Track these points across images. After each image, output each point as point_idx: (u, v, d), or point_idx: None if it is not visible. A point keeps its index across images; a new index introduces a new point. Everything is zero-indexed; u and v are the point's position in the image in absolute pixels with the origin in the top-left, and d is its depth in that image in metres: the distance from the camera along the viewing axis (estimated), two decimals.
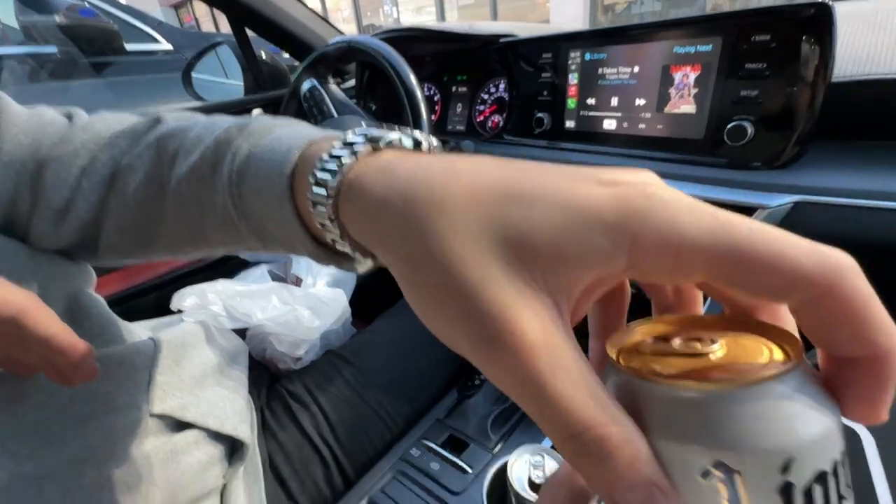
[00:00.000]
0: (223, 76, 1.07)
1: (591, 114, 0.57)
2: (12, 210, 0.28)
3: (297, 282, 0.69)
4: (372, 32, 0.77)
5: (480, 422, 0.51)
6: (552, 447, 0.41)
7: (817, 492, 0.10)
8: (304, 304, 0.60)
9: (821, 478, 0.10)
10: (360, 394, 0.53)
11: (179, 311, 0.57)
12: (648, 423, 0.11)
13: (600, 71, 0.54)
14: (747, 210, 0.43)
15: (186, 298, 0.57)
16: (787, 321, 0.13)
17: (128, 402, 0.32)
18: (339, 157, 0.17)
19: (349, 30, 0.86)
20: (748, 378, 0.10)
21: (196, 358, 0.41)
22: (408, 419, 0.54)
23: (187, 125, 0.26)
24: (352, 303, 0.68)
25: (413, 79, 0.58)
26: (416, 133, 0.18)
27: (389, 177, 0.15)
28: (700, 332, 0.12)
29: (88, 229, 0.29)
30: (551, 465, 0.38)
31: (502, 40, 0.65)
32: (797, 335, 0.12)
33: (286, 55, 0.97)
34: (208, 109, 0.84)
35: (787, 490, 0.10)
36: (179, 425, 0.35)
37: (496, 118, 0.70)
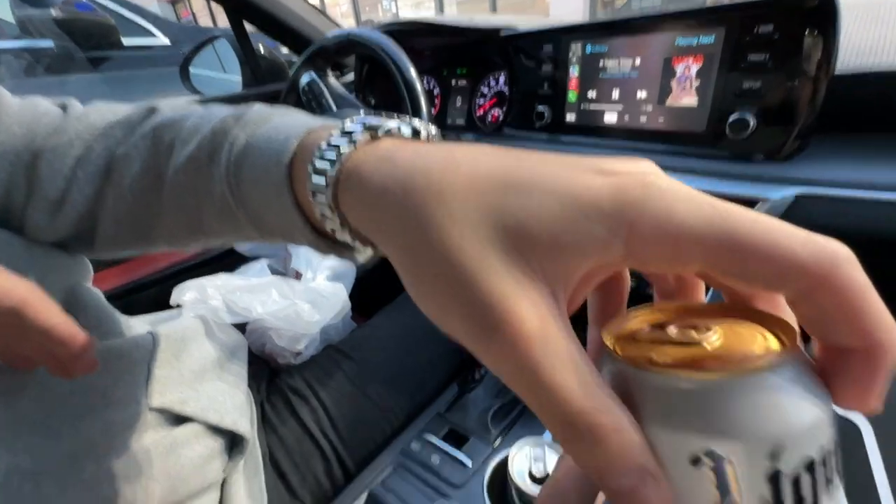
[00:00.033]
0: (221, 71, 1.06)
1: (592, 107, 0.56)
2: (7, 201, 0.28)
3: (297, 276, 0.69)
4: (371, 27, 0.76)
5: (481, 416, 0.51)
6: (553, 440, 0.41)
7: (805, 478, 0.10)
8: (303, 298, 0.60)
9: (809, 465, 0.10)
10: (361, 388, 0.53)
11: (179, 306, 0.57)
12: (642, 410, 0.11)
13: (601, 64, 0.54)
14: (749, 203, 0.43)
15: (186, 293, 0.57)
16: (786, 310, 0.13)
17: (126, 395, 0.32)
18: (337, 147, 0.17)
19: (347, 25, 0.86)
20: (741, 369, 0.10)
21: (195, 352, 0.41)
22: (408, 413, 0.54)
23: (183, 115, 0.26)
24: (351, 298, 0.68)
25: (413, 72, 0.57)
26: (415, 121, 0.18)
27: (388, 165, 0.15)
28: (697, 321, 0.12)
29: (84, 221, 0.28)
30: (552, 458, 0.39)
31: (503, 33, 0.64)
32: (794, 324, 0.12)
33: (285, 50, 0.96)
34: (206, 103, 0.84)
35: (775, 477, 0.10)
36: (179, 419, 0.35)
37: (496, 112, 0.70)
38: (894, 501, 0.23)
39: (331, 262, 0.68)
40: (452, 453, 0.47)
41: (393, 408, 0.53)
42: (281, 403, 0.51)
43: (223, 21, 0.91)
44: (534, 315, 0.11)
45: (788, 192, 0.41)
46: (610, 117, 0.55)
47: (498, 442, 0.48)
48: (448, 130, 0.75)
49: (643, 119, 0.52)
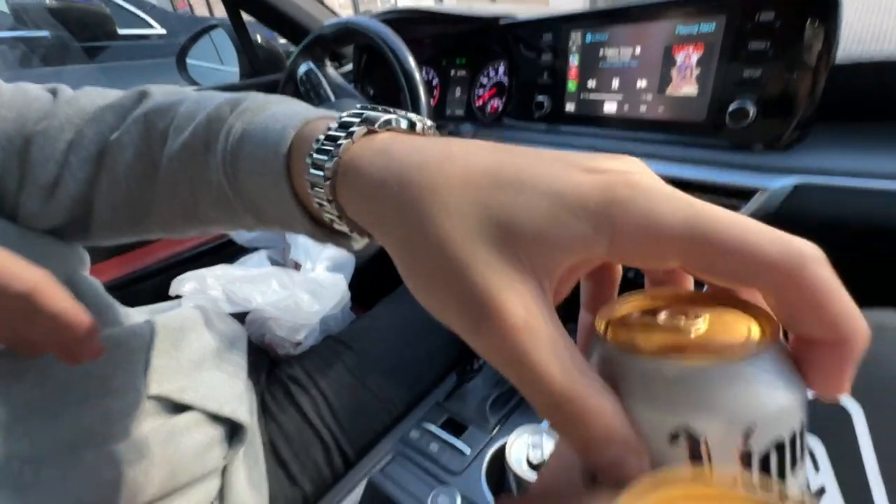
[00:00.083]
0: (218, 61, 1.05)
1: (592, 96, 0.56)
2: (0, 188, 0.28)
3: (296, 267, 0.69)
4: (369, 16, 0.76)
5: (479, 405, 0.51)
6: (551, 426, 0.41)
7: (773, 458, 0.11)
8: (303, 288, 0.60)
9: (779, 446, 0.11)
10: (360, 378, 0.53)
11: (178, 297, 0.57)
12: (627, 390, 0.12)
13: (601, 53, 0.53)
14: (747, 192, 0.43)
15: (185, 284, 0.57)
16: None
17: (124, 384, 0.32)
18: (334, 139, 0.17)
19: (346, 15, 0.85)
20: (722, 357, 0.11)
21: (194, 342, 0.41)
22: (408, 403, 0.55)
23: (176, 100, 0.26)
24: (351, 289, 0.68)
25: (411, 61, 0.57)
26: (411, 114, 0.18)
27: (385, 158, 0.15)
28: (686, 308, 0.13)
29: (79, 206, 0.28)
30: (549, 445, 0.39)
31: (502, 22, 0.64)
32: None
33: (283, 40, 0.95)
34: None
35: (746, 456, 0.11)
36: (178, 407, 0.35)
37: (495, 102, 0.69)
38: (884, 486, 0.23)
39: (330, 253, 0.68)
40: (451, 441, 0.47)
41: (392, 398, 0.54)
42: (281, 393, 0.51)
43: (220, 11, 0.90)
44: (521, 306, 0.12)
45: (788, 182, 0.41)
46: (609, 107, 0.55)
47: (496, 430, 0.49)
48: (447, 121, 0.75)
49: (643, 109, 0.52)
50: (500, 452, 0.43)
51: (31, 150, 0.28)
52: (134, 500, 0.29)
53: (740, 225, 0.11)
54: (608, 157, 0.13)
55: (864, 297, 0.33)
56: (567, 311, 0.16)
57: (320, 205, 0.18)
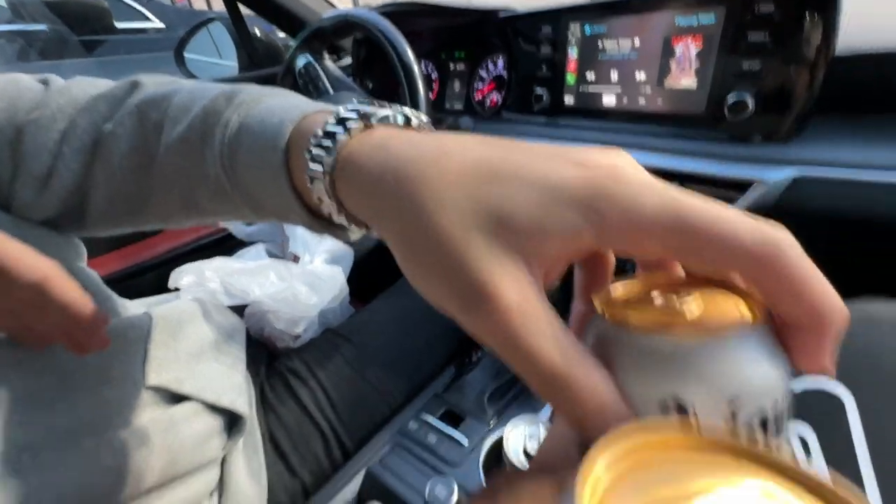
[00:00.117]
0: (216, 55, 1.05)
1: (591, 89, 0.56)
2: None
3: (295, 260, 0.70)
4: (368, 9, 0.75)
5: (477, 397, 0.52)
6: (550, 419, 0.42)
7: (756, 425, 0.12)
8: (301, 280, 0.60)
9: (762, 418, 0.12)
10: (360, 371, 0.54)
11: (177, 290, 0.57)
12: (620, 365, 0.13)
13: (600, 45, 0.53)
14: (746, 185, 0.43)
15: (184, 276, 0.57)
16: None
17: (122, 374, 0.32)
18: (333, 134, 0.17)
19: (345, 8, 0.84)
20: (711, 334, 0.12)
21: (192, 334, 0.41)
22: (406, 395, 0.55)
23: (169, 91, 0.26)
24: (350, 283, 0.68)
25: (410, 54, 0.57)
26: (407, 110, 0.19)
27: (382, 154, 0.16)
28: (678, 290, 0.14)
29: (73, 197, 0.28)
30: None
31: (501, 14, 0.63)
32: None
33: (282, 34, 0.95)
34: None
35: (733, 421, 0.12)
36: (176, 398, 0.36)
37: (494, 96, 0.69)
38: (874, 474, 0.23)
39: (328, 246, 0.68)
40: (449, 433, 0.47)
41: (391, 390, 0.54)
42: (280, 385, 0.51)
43: (219, 4, 0.90)
44: (513, 291, 0.13)
45: (787, 174, 0.41)
46: (608, 99, 0.54)
47: (494, 422, 0.49)
48: (446, 114, 0.75)
49: (642, 101, 0.51)
50: (498, 444, 0.43)
51: (23, 141, 0.28)
52: (135, 487, 0.29)
53: (717, 214, 0.12)
54: (596, 151, 0.14)
55: (860, 288, 0.34)
56: (564, 309, 0.16)
57: (318, 198, 0.18)
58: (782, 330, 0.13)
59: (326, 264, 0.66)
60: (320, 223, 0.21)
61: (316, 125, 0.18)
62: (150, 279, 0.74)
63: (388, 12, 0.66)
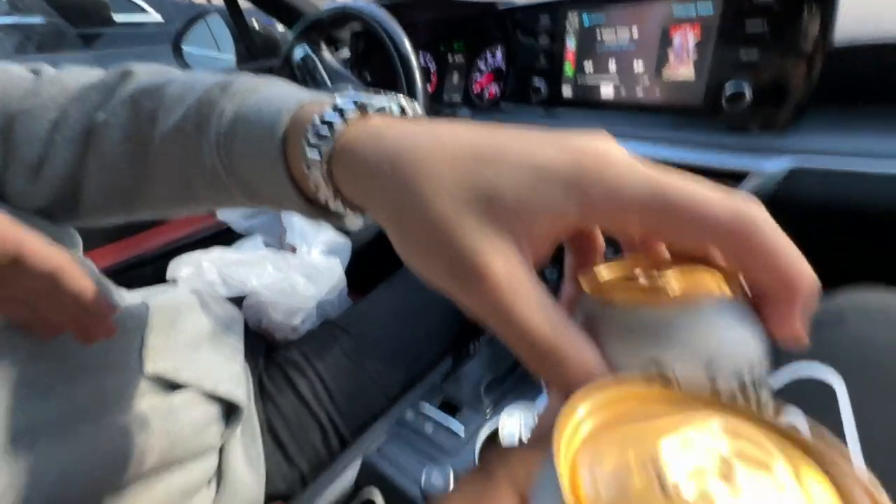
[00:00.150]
0: (215, 48, 1.04)
1: (589, 80, 0.56)
2: None
3: (293, 251, 0.70)
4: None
5: (474, 388, 0.52)
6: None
7: (735, 384, 0.12)
8: (299, 271, 0.60)
9: (738, 378, 0.12)
10: (358, 363, 0.54)
11: (175, 281, 0.57)
12: (606, 337, 0.14)
13: (598, 35, 0.53)
14: (741, 175, 0.43)
15: (182, 268, 0.57)
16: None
17: (119, 362, 0.32)
18: (330, 123, 0.18)
19: None
20: (689, 305, 0.13)
21: (190, 324, 0.41)
22: (404, 386, 0.55)
23: (163, 81, 0.26)
24: (348, 275, 0.68)
25: (408, 45, 0.56)
26: (402, 100, 0.20)
27: (378, 142, 0.17)
28: (659, 268, 0.14)
29: (66, 186, 0.28)
30: None
31: (500, 5, 0.63)
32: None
33: (281, 28, 0.94)
34: None
35: (711, 382, 0.12)
36: (175, 386, 0.36)
37: (493, 88, 0.69)
38: (863, 459, 0.24)
39: (326, 238, 0.69)
40: (445, 423, 0.48)
41: (389, 382, 0.55)
42: (279, 376, 0.52)
43: None
44: (503, 267, 0.14)
45: (783, 164, 0.41)
46: (606, 90, 0.54)
47: (490, 412, 0.49)
48: (444, 107, 0.75)
49: (640, 92, 0.51)
50: (494, 434, 0.44)
51: (14, 129, 0.28)
52: (137, 468, 0.30)
53: (693, 190, 0.13)
54: (581, 134, 0.15)
55: (854, 278, 0.34)
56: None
57: (315, 185, 0.19)
58: (758, 303, 0.13)
59: (324, 256, 0.66)
60: (315, 210, 0.21)
61: (313, 114, 0.19)
62: (149, 271, 0.74)
63: (387, 4, 0.66)
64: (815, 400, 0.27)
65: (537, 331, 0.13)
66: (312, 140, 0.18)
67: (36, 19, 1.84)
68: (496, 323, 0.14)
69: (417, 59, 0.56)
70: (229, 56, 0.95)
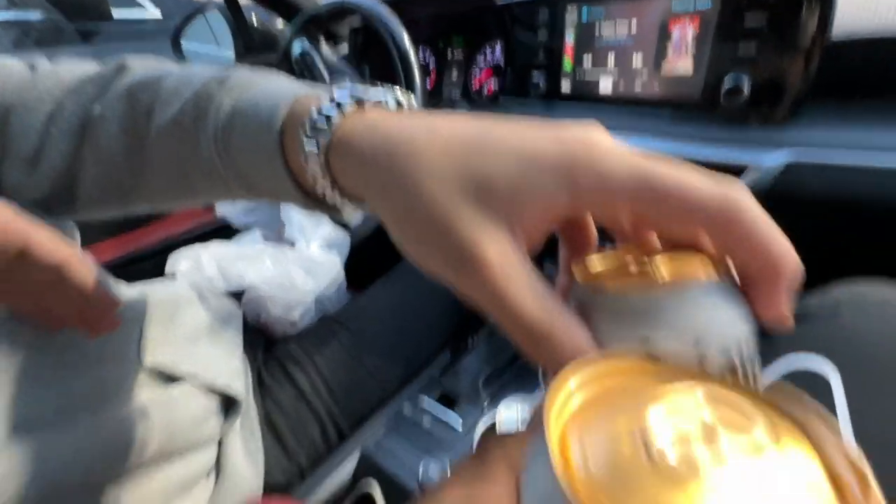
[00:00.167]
0: (214, 43, 1.04)
1: (587, 75, 0.56)
2: None
3: (291, 246, 0.70)
4: None
5: (472, 381, 0.52)
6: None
7: (724, 361, 0.13)
8: (297, 265, 0.61)
9: (727, 356, 0.13)
10: (357, 357, 0.54)
11: (174, 275, 0.58)
12: (598, 322, 0.14)
13: (597, 29, 0.53)
14: (739, 169, 0.43)
15: (181, 262, 0.57)
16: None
17: (118, 354, 0.32)
18: (328, 116, 0.18)
19: None
20: (677, 288, 0.13)
21: (189, 318, 0.41)
22: (403, 380, 0.56)
23: (159, 74, 0.26)
24: (347, 270, 0.68)
25: (407, 40, 0.56)
26: (399, 93, 0.20)
27: (375, 135, 0.17)
28: (652, 255, 0.15)
29: (62, 179, 0.28)
30: None
31: (499, 1, 0.63)
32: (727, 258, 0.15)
33: (279, 23, 0.94)
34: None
35: (699, 360, 0.13)
36: (173, 378, 0.36)
37: (492, 83, 0.69)
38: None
39: (324, 232, 0.69)
40: (443, 416, 0.48)
41: (388, 376, 0.55)
42: (277, 370, 0.52)
43: None
44: (497, 252, 0.14)
45: (781, 158, 0.41)
46: (605, 85, 0.54)
47: (488, 405, 0.49)
48: (443, 104, 0.75)
49: (638, 86, 0.51)
50: (492, 427, 0.44)
51: (10, 122, 0.28)
52: (136, 459, 0.30)
53: (680, 175, 0.13)
54: (572, 124, 0.15)
55: (850, 270, 0.34)
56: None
57: (313, 177, 0.19)
58: (745, 286, 0.14)
59: (323, 250, 0.66)
60: (313, 202, 0.21)
61: (311, 107, 0.19)
62: (148, 266, 0.74)
63: None
64: (810, 392, 0.27)
65: (531, 315, 0.13)
66: (310, 132, 0.18)
67: (34, 15, 1.83)
68: (491, 308, 0.14)
69: (416, 54, 0.56)
70: (228, 52, 0.94)
